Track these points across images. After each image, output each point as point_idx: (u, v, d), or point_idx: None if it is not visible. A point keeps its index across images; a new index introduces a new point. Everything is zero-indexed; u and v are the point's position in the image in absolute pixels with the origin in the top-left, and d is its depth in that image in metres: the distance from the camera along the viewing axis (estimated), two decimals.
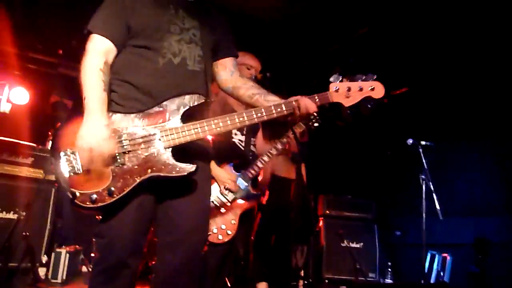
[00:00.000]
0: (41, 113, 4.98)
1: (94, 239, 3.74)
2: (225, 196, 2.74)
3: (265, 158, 2.87)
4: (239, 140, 2.90)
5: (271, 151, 2.89)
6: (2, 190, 3.46)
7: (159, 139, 1.64)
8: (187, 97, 1.70)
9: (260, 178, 3.07)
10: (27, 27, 4.40)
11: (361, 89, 1.76)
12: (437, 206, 3.08)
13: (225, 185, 2.73)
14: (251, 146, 2.95)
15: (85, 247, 3.97)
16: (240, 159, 2.85)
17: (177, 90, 1.70)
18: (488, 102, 4.61)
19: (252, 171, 2.83)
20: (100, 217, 1.69)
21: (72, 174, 1.58)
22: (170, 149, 1.64)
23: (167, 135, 1.65)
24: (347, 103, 1.77)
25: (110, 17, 1.72)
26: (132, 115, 1.66)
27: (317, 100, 1.77)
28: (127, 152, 1.62)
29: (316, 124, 3.03)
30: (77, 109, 1.66)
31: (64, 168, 1.59)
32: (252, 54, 2.90)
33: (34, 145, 3.77)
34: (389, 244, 5.14)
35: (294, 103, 1.75)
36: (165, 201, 1.73)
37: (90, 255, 3.89)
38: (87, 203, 1.57)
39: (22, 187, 3.54)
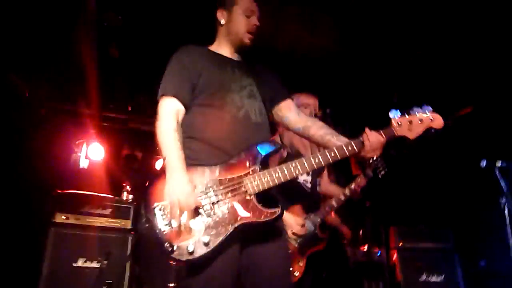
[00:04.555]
0: (115, 166, 5.36)
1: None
2: (292, 240, 2.72)
3: (334, 203, 2.86)
4: (304, 180, 2.89)
5: (340, 197, 2.87)
6: (86, 240, 3.69)
7: (244, 187, 1.71)
8: (260, 145, 1.79)
9: (328, 221, 3.04)
10: (99, 89, 4.86)
11: (421, 121, 1.83)
12: None
13: (292, 230, 2.70)
14: (317, 186, 2.95)
15: None
16: (308, 200, 2.85)
17: (246, 142, 1.80)
18: None
19: (321, 215, 2.82)
20: (185, 267, 1.73)
21: (167, 228, 1.65)
22: (255, 195, 1.72)
23: (251, 182, 1.72)
24: (411, 136, 1.83)
25: (177, 80, 1.87)
26: (213, 167, 1.75)
27: (383, 134, 1.82)
28: (215, 202, 1.69)
29: (383, 172, 2.96)
30: (163, 168, 1.76)
31: (159, 223, 1.66)
32: (307, 92, 2.96)
33: (112, 196, 4.05)
34: (475, 274, 4.72)
35: (362, 138, 1.80)
36: (249, 248, 1.78)
37: None
38: (185, 255, 1.62)
39: (103, 237, 3.77)
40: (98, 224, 3.78)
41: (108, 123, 5.41)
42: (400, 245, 4.45)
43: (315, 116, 2.77)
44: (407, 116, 1.83)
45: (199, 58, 1.94)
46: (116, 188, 4.45)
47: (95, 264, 3.63)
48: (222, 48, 2.03)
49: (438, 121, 1.82)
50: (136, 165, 5.46)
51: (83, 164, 5.09)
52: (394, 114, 1.84)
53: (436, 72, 4.48)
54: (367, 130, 1.82)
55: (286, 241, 1.93)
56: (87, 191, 3.97)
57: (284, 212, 2.69)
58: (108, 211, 3.87)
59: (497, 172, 2.95)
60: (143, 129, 5.43)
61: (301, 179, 2.88)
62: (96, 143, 5.19)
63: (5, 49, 4.03)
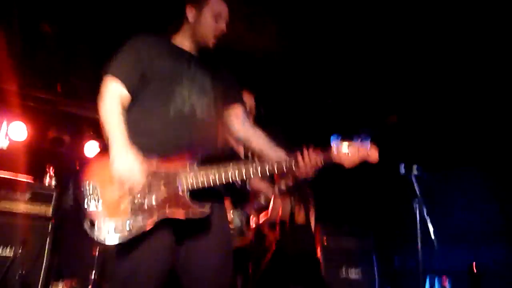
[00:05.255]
0: (39, 149, 5.02)
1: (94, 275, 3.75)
2: None
3: (262, 200, 2.92)
4: None
5: (268, 195, 2.93)
6: None
7: (178, 182, 1.72)
8: (202, 145, 1.81)
9: (253, 218, 3.09)
10: (26, 65, 4.52)
11: (359, 152, 1.82)
12: (432, 234, 3.10)
13: None
14: (247, 183, 3.00)
15: (82, 282, 3.94)
16: (237, 195, 2.88)
17: (188, 139, 1.81)
18: (483, 130, 4.71)
19: (248, 211, 2.87)
20: (114, 256, 1.71)
21: (92, 207, 1.63)
22: (188, 191, 1.72)
23: (186, 179, 1.72)
24: (347, 164, 1.82)
25: (126, 66, 1.86)
26: (150, 159, 1.74)
27: (322, 159, 1.82)
28: (148, 192, 1.69)
29: (312, 175, 3.05)
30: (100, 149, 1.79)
31: (86, 201, 1.64)
32: (245, 90, 2.98)
33: (31, 181, 3.80)
34: (388, 272, 5.11)
35: (299, 156, 1.80)
36: (189, 242, 1.78)
37: None
38: (105, 236, 1.61)
39: (19, 223, 3.55)
40: (14, 210, 3.55)
41: (34, 103, 5.03)
42: (323, 242, 4.68)
43: (249, 114, 2.80)
44: (347, 143, 1.83)
45: (156, 45, 1.93)
46: (39, 172, 4.18)
47: (8, 253, 3.40)
48: (184, 42, 2.01)
49: (373, 154, 1.82)
50: (63, 149, 5.15)
51: (2, 143, 4.72)
52: (335, 139, 1.84)
53: (370, 79, 4.73)
54: (305, 150, 1.80)
55: (229, 236, 1.96)
56: (4, 173, 3.70)
57: None
58: (26, 196, 3.64)
59: (413, 178, 3.21)
60: (74, 112, 5.14)
61: None
62: (19, 122, 4.83)
63: None
